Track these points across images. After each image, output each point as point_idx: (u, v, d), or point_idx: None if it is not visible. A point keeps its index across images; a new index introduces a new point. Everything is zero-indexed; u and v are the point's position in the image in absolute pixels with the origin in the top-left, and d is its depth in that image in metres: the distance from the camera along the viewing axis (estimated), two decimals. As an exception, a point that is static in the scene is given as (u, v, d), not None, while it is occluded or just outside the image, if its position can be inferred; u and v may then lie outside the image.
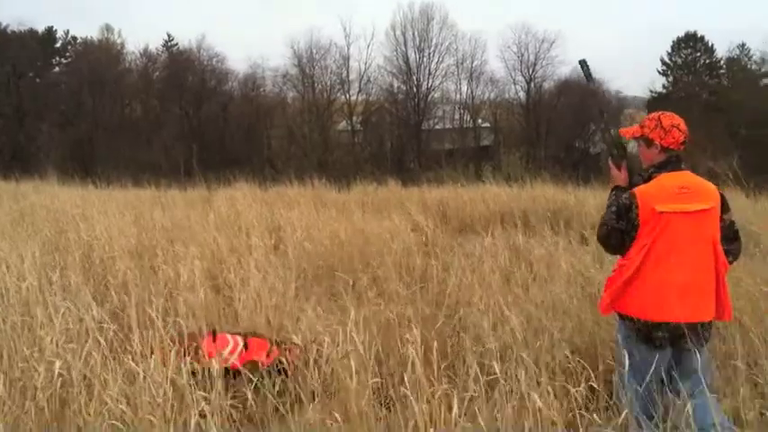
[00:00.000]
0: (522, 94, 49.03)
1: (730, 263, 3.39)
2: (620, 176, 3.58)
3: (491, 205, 14.55)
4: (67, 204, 9.86)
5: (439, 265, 5.88)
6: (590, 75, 3.75)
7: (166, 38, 51.14)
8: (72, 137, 43.09)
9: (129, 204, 11.38)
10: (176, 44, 50.94)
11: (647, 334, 3.28)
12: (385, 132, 48.26)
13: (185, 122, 46.03)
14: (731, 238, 3.40)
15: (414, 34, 48.03)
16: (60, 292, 4.33)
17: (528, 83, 48.70)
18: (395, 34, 48.08)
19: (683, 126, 3.39)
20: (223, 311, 4.34)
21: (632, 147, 3.76)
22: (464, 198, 15.68)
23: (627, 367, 3.11)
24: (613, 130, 3.70)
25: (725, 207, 3.39)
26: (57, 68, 52.03)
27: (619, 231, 3.35)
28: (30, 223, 8.22)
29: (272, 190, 17.68)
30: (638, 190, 3.34)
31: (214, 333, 4.28)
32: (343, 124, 49.29)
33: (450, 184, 18.72)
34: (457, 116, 50.14)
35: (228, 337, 4.29)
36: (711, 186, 3.37)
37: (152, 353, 3.32)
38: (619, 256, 3.47)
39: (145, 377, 3.09)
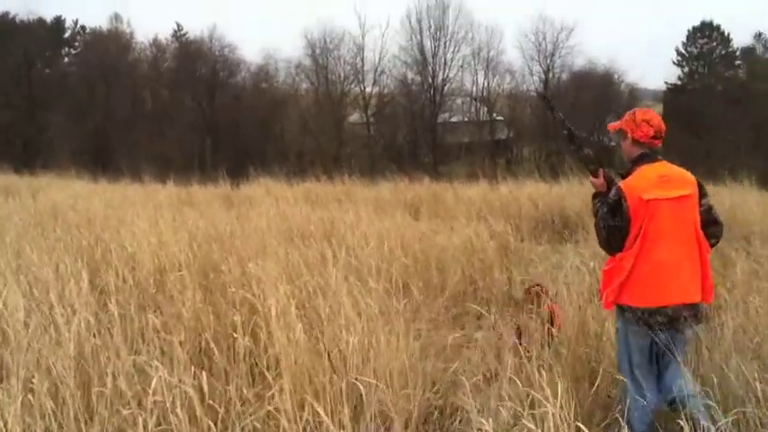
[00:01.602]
0: (538, 85, 47.87)
1: (712, 245, 3.53)
2: (598, 184, 3.66)
3: (540, 206, 13.48)
4: (93, 203, 8.93)
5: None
6: (552, 107, 3.75)
7: (176, 27, 50.25)
8: (85, 128, 42.16)
9: (156, 204, 10.44)
10: (186, 34, 49.94)
11: (646, 321, 3.34)
12: (399, 125, 47.10)
13: (198, 114, 45.09)
14: (712, 221, 3.52)
15: (429, 22, 46.86)
16: (120, 330, 3.31)
17: (545, 73, 47.56)
18: (410, 23, 46.92)
19: (655, 122, 3.49)
20: (325, 358, 3.33)
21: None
22: (507, 197, 14.59)
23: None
24: (587, 149, 3.71)
25: (702, 192, 3.52)
26: (66, 59, 51.20)
27: (617, 229, 3.40)
28: (56, 227, 7.27)
29: (298, 186, 16.68)
30: (622, 183, 3.46)
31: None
32: (355, 116, 48.13)
33: (484, 180, 17.63)
34: (473, 109, 49.02)
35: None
36: (689, 174, 3.50)
37: None
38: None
39: None
